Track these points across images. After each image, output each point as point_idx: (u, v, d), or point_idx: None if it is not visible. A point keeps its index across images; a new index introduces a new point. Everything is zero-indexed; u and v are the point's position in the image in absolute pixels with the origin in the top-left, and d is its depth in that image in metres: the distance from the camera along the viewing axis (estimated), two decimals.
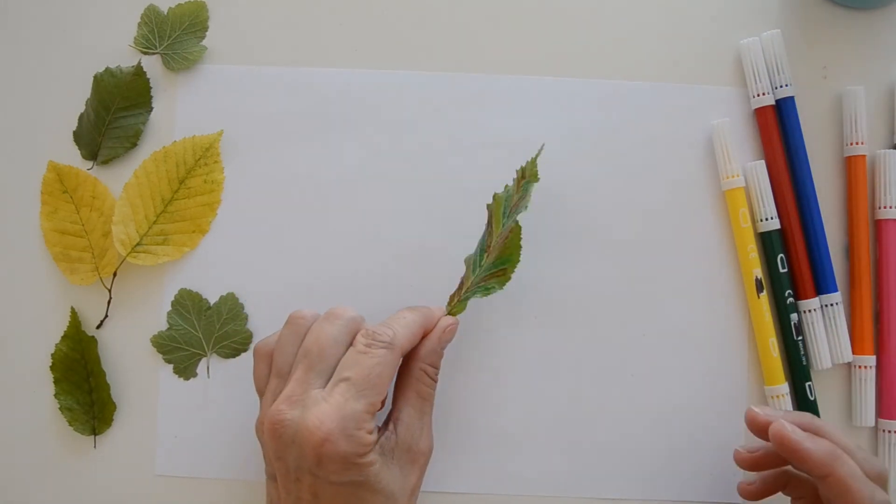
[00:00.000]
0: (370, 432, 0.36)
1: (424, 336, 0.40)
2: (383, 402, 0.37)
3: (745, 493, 0.40)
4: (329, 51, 0.46)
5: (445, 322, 0.40)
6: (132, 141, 0.45)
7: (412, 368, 0.39)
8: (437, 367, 0.40)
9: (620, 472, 0.43)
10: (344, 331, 0.37)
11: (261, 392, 0.39)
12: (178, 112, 0.46)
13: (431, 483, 0.43)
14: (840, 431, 0.37)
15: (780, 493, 0.40)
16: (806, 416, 0.38)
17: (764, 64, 0.44)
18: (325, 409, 0.35)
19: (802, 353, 0.43)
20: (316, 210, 0.45)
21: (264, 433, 0.36)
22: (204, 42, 0.46)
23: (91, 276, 0.45)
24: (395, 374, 0.39)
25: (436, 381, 0.40)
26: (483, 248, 0.42)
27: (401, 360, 0.39)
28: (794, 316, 0.43)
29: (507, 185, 0.42)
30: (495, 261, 0.41)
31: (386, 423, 0.39)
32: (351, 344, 0.37)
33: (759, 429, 0.38)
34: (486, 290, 0.41)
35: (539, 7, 0.46)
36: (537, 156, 0.42)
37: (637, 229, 0.44)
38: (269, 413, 0.36)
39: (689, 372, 0.43)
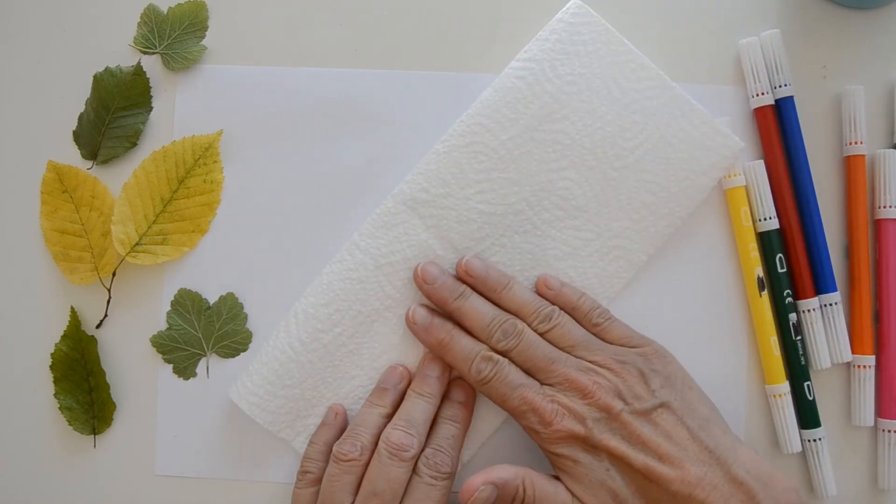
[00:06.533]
0: None
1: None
2: None
3: None
4: (329, 51, 0.46)
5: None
6: (132, 141, 0.45)
7: None
8: None
9: None
10: (408, 470, 0.39)
11: None
12: (178, 112, 0.46)
13: None
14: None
15: None
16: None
17: (763, 63, 0.44)
18: None
19: (801, 352, 0.43)
20: (316, 210, 0.45)
21: None
22: (204, 42, 0.46)
23: (91, 276, 0.45)
24: None
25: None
26: None
27: None
28: (792, 316, 0.43)
29: None
30: None
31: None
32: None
33: None
34: None
35: (539, 7, 0.46)
36: None
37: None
38: None
39: (689, 370, 0.43)
